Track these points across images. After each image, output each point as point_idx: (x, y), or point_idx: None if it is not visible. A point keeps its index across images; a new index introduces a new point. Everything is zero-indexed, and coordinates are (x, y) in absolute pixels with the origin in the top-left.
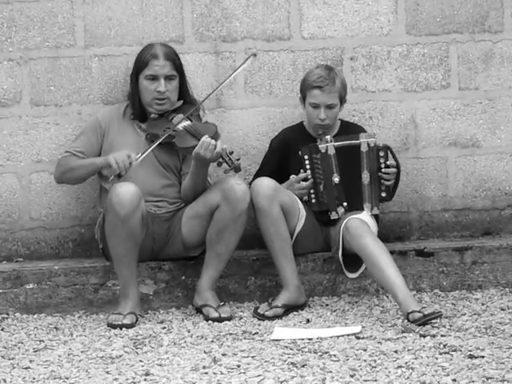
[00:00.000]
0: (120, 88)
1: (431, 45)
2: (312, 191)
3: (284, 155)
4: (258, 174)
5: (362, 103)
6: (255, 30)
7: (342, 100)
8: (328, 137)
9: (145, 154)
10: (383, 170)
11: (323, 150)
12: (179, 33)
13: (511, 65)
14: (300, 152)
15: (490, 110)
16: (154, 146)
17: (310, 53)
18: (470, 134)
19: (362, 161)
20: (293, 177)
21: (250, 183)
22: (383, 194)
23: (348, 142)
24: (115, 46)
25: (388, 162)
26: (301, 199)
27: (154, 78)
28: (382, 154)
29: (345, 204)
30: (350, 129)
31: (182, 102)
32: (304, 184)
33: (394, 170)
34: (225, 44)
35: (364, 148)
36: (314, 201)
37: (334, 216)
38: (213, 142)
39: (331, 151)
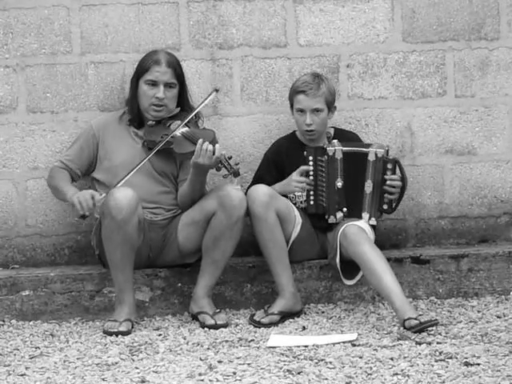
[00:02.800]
0: (116, 95)
1: (427, 52)
2: (311, 193)
3: (278, 165)
4: (253, 184)
5: (358, 110)
6: (252, 37)
7: (330, 106)
8: (335, 141)
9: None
10: (388, 182)
11: (331, 153)
12: (176, 40)
13: (507, 72)
14: (305, 152)
15: (486, 118)
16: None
17: (306, 60)
18: (466, 141)
19: (368, 170)
20: (294, 174)
21: (246, 191)
22: (385, 207)
23: (356, 148)
24: (112, 52)
25: (394, 176)
26: (297, 205)
27: (154, 83)
28: (389, 166)
29: (344, 210)
30: (344, 136)
31: (179, 108)
32: (303, 178)
33: (398, 183)
34: (221, 51)
35: (371, 157)
36: (312, 203)
37: (331, 220)
38: (210, 147)
39: (338, 155)
